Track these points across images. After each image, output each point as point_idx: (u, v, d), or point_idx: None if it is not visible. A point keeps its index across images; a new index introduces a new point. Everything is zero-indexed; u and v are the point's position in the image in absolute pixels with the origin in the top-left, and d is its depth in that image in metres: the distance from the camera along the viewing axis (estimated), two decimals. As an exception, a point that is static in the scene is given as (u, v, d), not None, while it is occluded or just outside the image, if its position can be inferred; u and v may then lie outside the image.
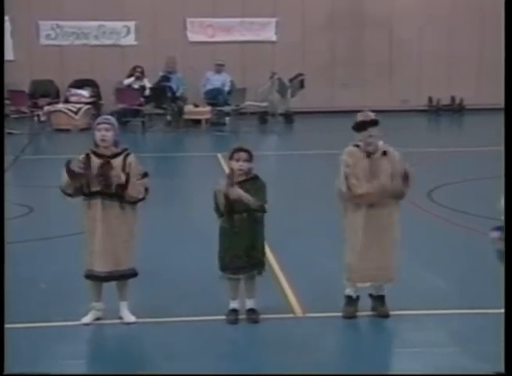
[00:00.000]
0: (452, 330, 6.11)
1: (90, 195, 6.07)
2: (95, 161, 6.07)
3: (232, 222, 6.17)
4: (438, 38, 20.89)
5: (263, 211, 6.19)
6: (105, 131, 6.08)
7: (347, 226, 6.33)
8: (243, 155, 6.19)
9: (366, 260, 6.24)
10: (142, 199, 6.14)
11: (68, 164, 6.05)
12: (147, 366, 5.63)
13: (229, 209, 6.13)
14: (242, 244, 6.18)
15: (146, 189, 6.14)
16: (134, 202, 6.12)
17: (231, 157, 6.21)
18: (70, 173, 6.00)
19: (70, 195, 6.13)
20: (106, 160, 6.06)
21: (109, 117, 6.36)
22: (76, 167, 6.01)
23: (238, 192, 6.05)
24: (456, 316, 6.45)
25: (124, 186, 6.01)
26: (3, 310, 4.80)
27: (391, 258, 6.32)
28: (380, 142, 6.25)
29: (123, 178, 6.02)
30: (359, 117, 6.27)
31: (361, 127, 6.22)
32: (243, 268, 6.23)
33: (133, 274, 6.28)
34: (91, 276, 6.23)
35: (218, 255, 6.30)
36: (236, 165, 6.18)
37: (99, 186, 6.02)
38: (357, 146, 6.26)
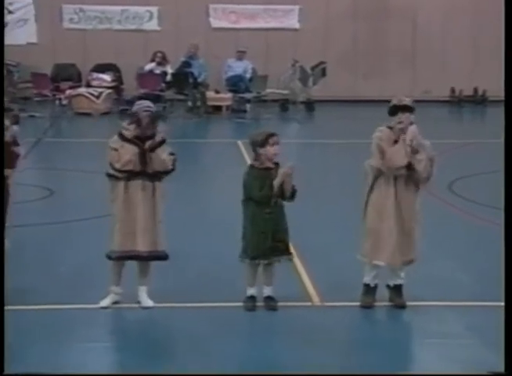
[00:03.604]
0: (470, 322, 6.09)
1: (129, 176, 6.23)
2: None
3: (267, 207, 6.16)
4: (461, 29, 20.71)
5: (294, 195, 6.19)
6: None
7: (371, 205, 6.29)
8: (277, 139, 6.18)
9: (386, 240, 6.22)
10: (172, 170, 6.34)
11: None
12: (164, 351, 5.64)
13: (271, 194, 6.12)
14: (273, 228, 6.18)
15: (174, 164, 6.35)
16: (163, 173, 6.30)
17: (265, 143, 6.13)
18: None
19: (122, 173, 6.25)
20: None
21: (151, 103, 6.50)
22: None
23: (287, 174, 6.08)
24: (475, 308, 6.42)
25: (158, 144, 6.27)
26: (3, 311, 4.83)
27: (412, 242, 6.30)
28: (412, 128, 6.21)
29: (159, 137, 6.31)
30: (393, 101, 6.28)
31: (392, 111, 6.24)
32: (270, 253, 6.21)
33: (166, 256, 6.37)
34: (130, 257, 6.31)
35: (243, 240, 6.28)
36: (272, 150, 6.14)
37: (140, 166, 6.20)
38: (390, 127, 6.27)
